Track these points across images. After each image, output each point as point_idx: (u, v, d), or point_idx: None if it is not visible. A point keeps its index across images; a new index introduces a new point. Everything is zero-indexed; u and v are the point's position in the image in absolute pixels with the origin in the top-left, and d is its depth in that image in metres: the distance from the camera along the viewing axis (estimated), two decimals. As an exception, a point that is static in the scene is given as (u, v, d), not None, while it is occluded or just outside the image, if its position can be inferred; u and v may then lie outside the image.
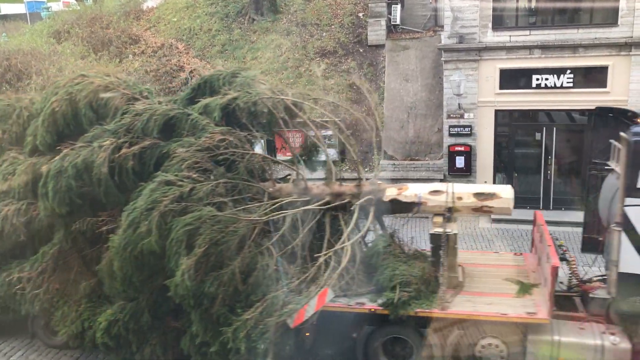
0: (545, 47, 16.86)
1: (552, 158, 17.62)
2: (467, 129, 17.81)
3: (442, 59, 18.01)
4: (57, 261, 10.22)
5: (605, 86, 16.69)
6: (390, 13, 21.81)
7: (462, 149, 17.86)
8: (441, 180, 18.00)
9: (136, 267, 9.06)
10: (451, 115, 17.88)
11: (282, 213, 9.79)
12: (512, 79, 17.32)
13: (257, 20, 23.47)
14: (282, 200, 10.04)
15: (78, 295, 10.27)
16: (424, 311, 9.67)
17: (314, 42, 22.03)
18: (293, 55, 21.71)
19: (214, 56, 22.62)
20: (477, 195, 10.24)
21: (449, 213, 10.22)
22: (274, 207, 9.85)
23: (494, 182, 18.15)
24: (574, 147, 17.75)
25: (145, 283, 9.37)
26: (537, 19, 17.61)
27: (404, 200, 10.45)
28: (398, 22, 21.91)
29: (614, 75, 16.57)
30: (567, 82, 16.91)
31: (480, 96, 17.59)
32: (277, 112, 10.60)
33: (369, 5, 22.00)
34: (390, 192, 10.57)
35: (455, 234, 10.12)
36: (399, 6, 21.99)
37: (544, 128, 17.53)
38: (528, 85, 17.19)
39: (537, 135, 17.67)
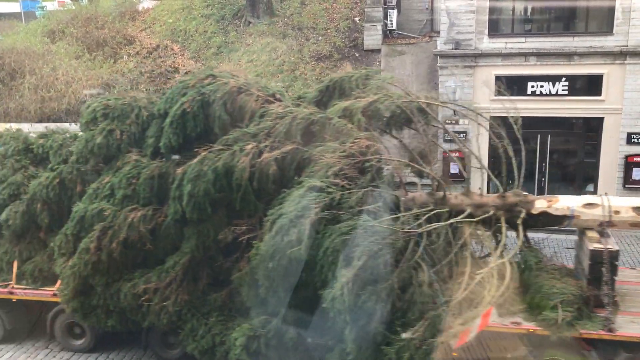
0: (540, 55, 16.91)
1: (546, 165, 17.65)
2: (461, 135, 17.78)
3: (438, 64, 18.02)
4: (186, 272, 9.48)
5: (600, 94, 16.76)
6: (386, 18, 21.81)
7: (456, 155, 17.80)
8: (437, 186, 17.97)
9: (282, 277, 8.45)
10: (446, 121, 17.85)
11: (434, 225, 8.92)
12: (508, 86, 17.35)
13: (253, 23, 23.43)
14: (431, 211, 9.17)
15: (207, 307, 9.63)
16: (590, 333, 8.76)
17: (310, 45, 21.99)
18: (289, 59, 21.66)
19: (209, 58, 22.54)
20: (637, 209, 9.40)
21: (603, 227, 9.47)
22: (417, 218, 9.03)
23: (488, 190, 18.13)
24: (568, 154, 17.81)
25: (289, 295, 8.67)
26: (533, 26, 17.67)
27: (555, 213, 9.60)
28: (394, 27, 21.92)
29: (609, 83, 16.64)
30: (562, 90, 16.97)
31: (475, 103, 17.58)
32: (414, 115, 9.95)
33: (365, 10, 22.00)
34: (540, 205, 9.72)
35: (617, 251, 9.34)
36: (395, 11, 22.00)
37: (539, 135, 17.56)
38: (523, 93, 17.22)
39: (531, 143, 17.70)
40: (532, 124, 17.67)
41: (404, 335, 8.31)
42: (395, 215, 8.85)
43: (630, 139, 16.75)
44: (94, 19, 23.69)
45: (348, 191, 8.67)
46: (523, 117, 17.32)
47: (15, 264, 10.63)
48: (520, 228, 9.38)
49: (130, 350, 10.97)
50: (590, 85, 16.85)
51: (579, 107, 17.01)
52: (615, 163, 17.04)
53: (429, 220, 8.94)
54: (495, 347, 9.29)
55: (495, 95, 17.36)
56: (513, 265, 8.72)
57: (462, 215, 9.36)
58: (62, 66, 20.77)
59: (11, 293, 10.62)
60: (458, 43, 17.37)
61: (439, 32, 18.74)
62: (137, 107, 10.41)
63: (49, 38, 23.28)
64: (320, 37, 22.30)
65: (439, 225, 8.87)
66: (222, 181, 9.01)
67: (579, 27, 17.14)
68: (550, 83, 17.00)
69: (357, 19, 22.75)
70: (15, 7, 40.48)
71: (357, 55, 21.49)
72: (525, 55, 17.06)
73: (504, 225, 9.37)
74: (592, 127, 17.29)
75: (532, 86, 17.15)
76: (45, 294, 10.47)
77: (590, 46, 16.62)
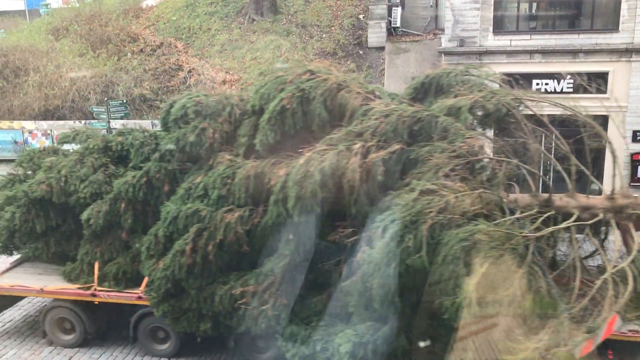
0: (545, 52, 16.81)
1: (550, 163, 17.56)
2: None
3: (442, 62, 17.93)
4: (285, 275, 9.03)
5: (605, 92, 16.64)
6: (390, 15, 21.75)
7: None
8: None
9: (397, 284, 8.00)
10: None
11: (552, 229, 8.43)
12: (512, 84, 17.27)
13: (257, 21, 23.39)
14: (542, 213, 8.61)
15: (306, 312, 9.19)
16: None
17: (314, 43, 21.94)
18: (292, 56, 21.62)
19: (213, 56, 22.52)
20: None
21: None
22: (533, 221, 8.53)
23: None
24: (571, 152, 17.68)
25: (399, 301, 8.26)
26: (538, 23, 17.56)
27: None
28: (398, 24, 21.85)
29: (615, 81, 16.53)
30: (567, 88, 16.86)
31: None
32: (517, 114, 9.48)
33: (370, 7, 21.94)
34: None
35: None
36: (399, 8, 21.93)
37: (543, 132, 17.44)
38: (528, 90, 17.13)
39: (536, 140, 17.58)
40: (537, 121, 17.60)
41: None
42: (513, 217, 8.36)
43: (635, 136, 16.65)
44: (97, 16, 23.71)
45: (461, 193, 8.10)
46: (528, 115, 17.40)
47: (96, 266, 10.30)
48: (633, 232, 8.75)
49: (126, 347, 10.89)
50: (596, 83, 16.74)
51: (584, 104, 16.84)
52: (620, 161, 16.93)
53: (539, 224, 8.39)
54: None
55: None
56: (633, 270, 8.21)
57: (571, 219, 8.75)
58: (66, 64, 20.77)
59: (94, 295, 10.24)
60: (463, 40, 17.28)
61: (443, 30, 18.65)
62: (229, 105, 10.00)
63: (53, 36, 23.31)
64: (324, 35, 22.25)
65: (556, 228, 8.37)
66: (329, 182, 8.50)
67: (584, 24, 17.02)
68: (556, 81, 16.89)
69: (361, 16, 22.69)
70: (19, 5, 40.57)
71: (361, 52, 21.43)
72: (530, 52, 16.95)
73: (615, 229, 8.79)
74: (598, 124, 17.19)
75: (537, 84, 17.05)
76: (130, 296, 10.14)
77: (596, 43, 16.51)
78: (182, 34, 23.65)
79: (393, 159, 8.76)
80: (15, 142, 20.12)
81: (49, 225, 10.55)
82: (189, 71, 21.42)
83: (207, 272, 9.18)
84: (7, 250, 11.43)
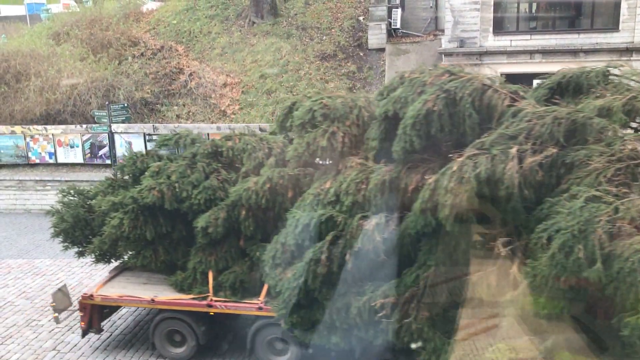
0: (546, 52, 16.83)
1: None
2: (467, 134, 17.74)
3: (443, 63, 17.95)
4: (428, 286, 8.52)
5: (606, 91, 16.64)
6: (390, 17, 21.77)
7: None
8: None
9: (566, 300, 7.56)
10: None
11: None
12: (513, 84, 17.26)
13: (257, 23, 23.43)
14: None
15: (448, 325, 8.63)
16: None
17: (314, 45, 21.97)
18: (293, 59, 21.66)
19: (213, 59, 22.56)
20: None
21: None
22: None
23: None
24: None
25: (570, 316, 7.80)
26: (537, 23, 17.59)
27: None
28: (398, 26, 21.88)
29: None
30: (568, 87, 16.86)
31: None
32: None
33: (370, 9, 21.96)
34: None
35: None
36: (399, 10, 21.95)
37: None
38: (529, 90, 17.13)
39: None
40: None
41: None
42: None
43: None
44: (98, 20, 23.77)
45: (628, 199, 7.50)
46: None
47: (210, 275, 9.83)
48: None
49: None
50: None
51: (585, 104, 16.89)
52: (622, 160, 16.94)
53: None
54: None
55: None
56: None
57: None
58: (67, 68, 20.82)
59: (210, 306, 9.74)
60: (463, 41, 17.30)
61: (443, 31, 18.67)
62: (356, 107, 9.50)
63: (54, 40, 23.36)
64: (324, 37, 22.28)
65: None
66: (485, 189, 7.89)
67: (585, 24, 17.04)
68: (556, 80, 16.90)
69: (361, 18, 22.71)
70: (20, 10, 40.69)
71: (361, 54, 21.46)
72: (530, 52, 16.97)
73: None
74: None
75: (538, 84, 17.04)
76: (250, 307, 9.63)
77: (596, 43, 16.52)
78: (183, 38, 23.70)
79: (548, 163, 8.20)
80: (18, 147, 20.19)
81: (158, 233, 10.10)
82: (190, 74, 21.46)
83: (343, 282, 8.68)
84: (104, 258, 10.95)
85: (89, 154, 20.15)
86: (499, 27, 17.31)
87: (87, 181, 19.61)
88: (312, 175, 9.51)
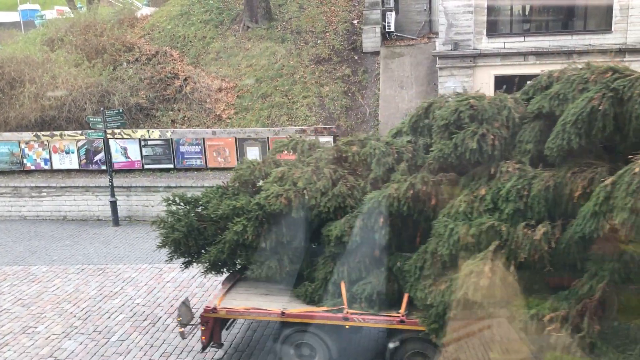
0: (539, 54, 16.91)
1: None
2: None
3: (437, 65, 18.02)
4: (600, 297, 8.03)
5: (599, 92, 16.72)
6: (384, 20, 21.84)
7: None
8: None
9: None
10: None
11: None
12: (507, 86, 17.32)
13: (252, 28, 23.47)
14: None
15: (620, 339, 8.18)
16: None
17: (309, 49, 22.02)
18: (288, 63, 21.70)
19: (208, 63, 22.58)
20: None
21: None
22: None
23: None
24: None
25: None
26: (531, 25, 17.67)
27: None
28: (392, 29, 21.94)
29: (609, 81, 16.61)
30: (562, 89, 16.94)
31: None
32: None
33: (364, 12, 22.03)
34: None
35: None
36: (393, 13, 22.02)
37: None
38: (523, 92, 17.20)
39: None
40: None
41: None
42: None
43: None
44: (92, 26, 23.76)
45: None
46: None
47: (343, 286, 9.31)
48: None
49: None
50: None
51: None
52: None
53: None
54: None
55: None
56: None
57: None
58: (62, 74, 20.80)
59: (346, 319, 9.13)
60: (457, 44, 17.37)
61: (437, 33, 18.74)
62: (505, 108, 8.95)
63: (48, 46, 23.34)
64: (319, 41, 22.33)
65: None
66: None
67: (578, 25, 17.13)
68: (550, 82, 16.97)
69: (355, 21, 22.78)
70: (14, 17, 40.66)
71: (356, 57, 21.51)
72: (524, 54, 17.06)
73: None
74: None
75: (532, 85, 17.12)
76: (390, 320, 9.05)
77: (589, 44, 16.61)
78: (177, 43, 23.72)
79: None
80: (13, 154, 20.14)
81: (280, 242, 9.71)
82: (185, 79, 21.47)
83: (502, 295, 8.13)
84: (216, 268, 10.50)
85: (85, 160, 20.12)
86: (492, 29, 17.40)
87: (82, 187, 19.60)
88: (453, 180, 9.06)
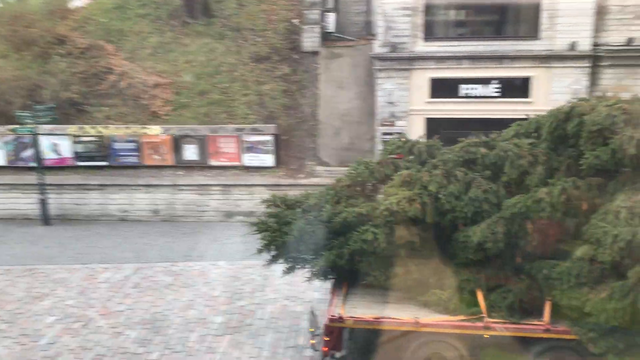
0: (473, 58, 17.46)
1: (479, 165, 18.24)
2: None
3: (375, 67, 18.30)
4: None
5: (528, 96, 17.46)
6: (324, 20, 21.97)
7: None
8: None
9: None
10: (384, 123, 18.20)
11: None
12: (442, 88, 17.83)
13: (190, 23, 23.10)
14: None
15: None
16: None
17: (249, 47, 21.88)
18: (227, 60, 21.49)
19: (145, 58, 22.06)
20: None
21: None
22: None
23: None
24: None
25: None
26: (466, 30, 18.22)
27: None
28: (332, 29, 22.08)
29: (537, 86, 17.37)
30: (493, 92, 17.58)
31: (411, 105, 17.99)
32: None
33: (303, 12, 22.07)
34: None
35: None
36: (332, 14, 22.17)
37: (473, 136, 18.10)
38: (457, 95, 17.74)
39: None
40: (466, 125, 18.24)
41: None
42: None
43: (557, 139, 17.53)
44: (21, 17, 22.71)
45: None
46: (457, 119, 18.04)
47: (480, 294, 9.05)
48: None
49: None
50: (520, 88, 17.53)
51: (510, 108, 17.65)
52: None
53: None
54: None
55: (430, 98, 17.87)
56: None
57: None
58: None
59: (487, 328, 8.79)
60: (394, 46, 17.70)
61: (376, 35, 19.04)
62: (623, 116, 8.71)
63: (-27, 36, 22.17)
64: (258, 39, 22.23)
65: None
66: None
67: (509, 31, 17.80)
68: (483, 85, 17.58)
69: (295, 20, 22.81)
70: None
71: (296, 57, 21.54)
72: (458, 58, 17.56)
73: None
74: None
75: (466, 88, 17.68)
76: (534, 328, 8.75)
77: (519, 50, 17.30)
78: (113, 37, 23.03)
79: None
80: None
81: (410, 248, 9.24)
82: (120, 74, 20.89)
83: None
84: (326, 274, 10.09)
85: (13, 157, 19.28)
86: (429, 33, 17.82)
87: (9, 184, 18.76)
88: (600, 185, 8.87)
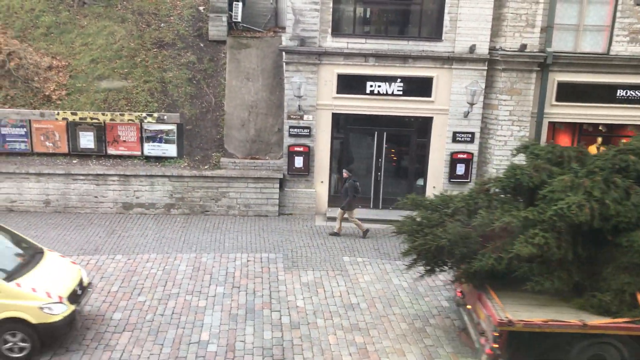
0: (379, 56, 17.81)
1: (382, 161, 18.70)
2: (306, 130, 18.23)
3: (284, 60, 18.22)
4: None
5: (430, 95, 18.09)
6: (231, 10, 21.56)
7: (301, 149, 18.24)
8: (280, 180, 18.21)
9: None
10: (291, 116, 18.18)
11: None
12: (349, 85, 18.06)
13: (88, 4, 21.85)
14: None
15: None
16: None
17: (152, 32, 21.05)
18: (128, 44, 20.54)
19: (37, 39, 20.61)
20: None
21: None
22: None
23: (330, 183, 18.80)
24: (401, 151, 19.02)
25: None
26: (372, 28, 18.55)
27: None
28: (239, 19, 21.74)
29: (438, 86, 18.03)
30: (398, 90, 18.05)
31: (319, 99, 18.09)
32: None
33: (210, -1, 21.55)
34: None
35: None
36: (240, 3, 21.82)
37: (376, 132, 18.53)
38: (363, 91, 18.04)
39: (369, 139, 18.64)
40: (371, 121, 18.62)
41: None
42: None
43: (455, 137, 18.33)
44: None
45: None
46: (363, 115, 18.37)
47: (639, 296, 9.49)
48: None
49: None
50: (422, 87, 18.12)
51: (412, 107, 18.22)
52: (442, 159, 18.55)
53: None
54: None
55: (337, 93, 18.05)
56: None
57: None
58: None
59: None
60: (303, 40, 17.70)
61: (284, 28, 18.93)
62: None
63: None
64: (162, 24, 21.43)
65: None
66: None
67: (413, 32, 18.32)
68: (387, 83, 17.99)
69: (201, 7, 22.21)
70: None
71: (202, 45, 21.00)
72: (365, 55, 17.85)
73: None
74: (424, 126, 18.65)
75: (371, 86, 18.02)
76: None
77: (423, 50, 17.86)
78: (0, 13, 21.31)
79: None
80: None
81: (574, 252, 9.59)
82: (9, 54, 19.37)
83: None
84: (477, 278, 10.23)
85: None
86: (337, 29, 17.96)
87: None
88: None
